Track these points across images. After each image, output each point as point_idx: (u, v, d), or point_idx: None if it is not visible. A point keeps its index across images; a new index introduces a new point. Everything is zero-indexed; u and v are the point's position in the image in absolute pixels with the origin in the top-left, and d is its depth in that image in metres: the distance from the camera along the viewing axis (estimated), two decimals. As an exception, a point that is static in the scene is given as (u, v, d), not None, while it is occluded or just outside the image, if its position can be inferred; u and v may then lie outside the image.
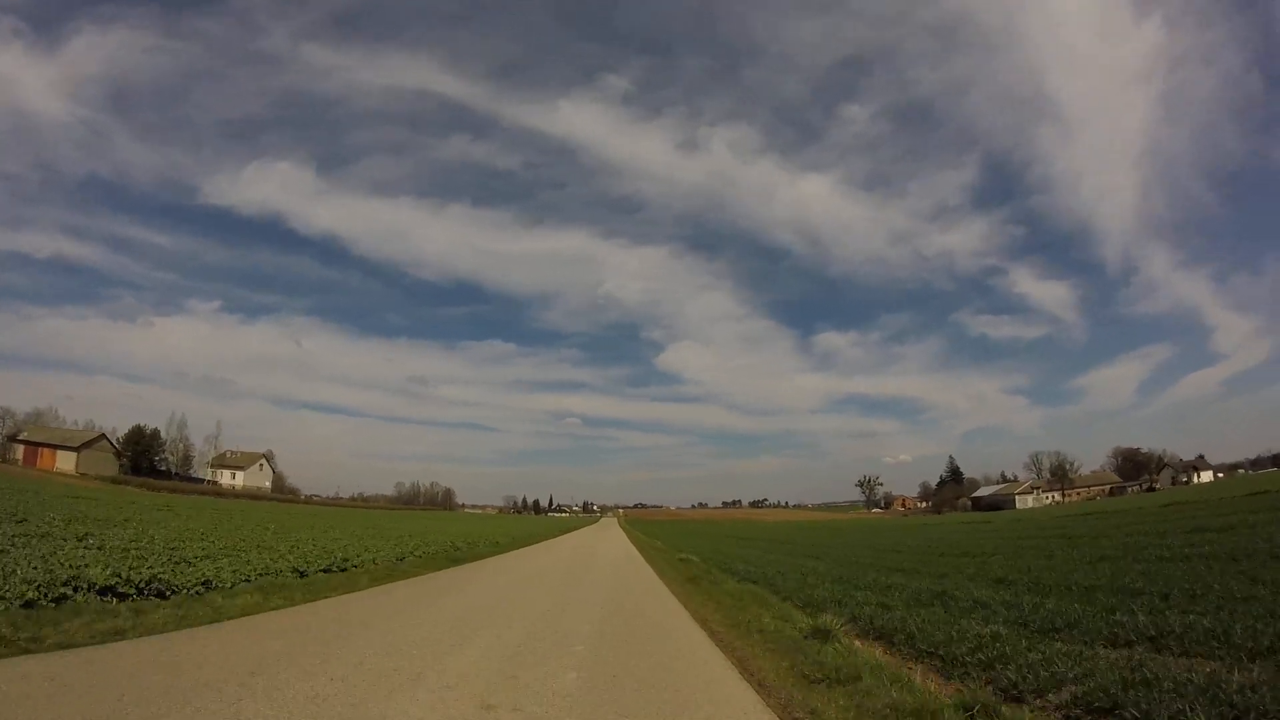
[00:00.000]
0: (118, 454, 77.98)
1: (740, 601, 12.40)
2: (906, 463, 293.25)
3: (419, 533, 32.93)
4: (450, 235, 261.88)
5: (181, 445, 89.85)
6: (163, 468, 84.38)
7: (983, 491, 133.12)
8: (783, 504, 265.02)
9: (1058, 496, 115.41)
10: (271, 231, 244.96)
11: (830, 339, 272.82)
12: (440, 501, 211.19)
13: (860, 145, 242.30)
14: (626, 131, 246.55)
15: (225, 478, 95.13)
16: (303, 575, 12.58)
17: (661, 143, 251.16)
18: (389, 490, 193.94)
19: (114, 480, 67.65)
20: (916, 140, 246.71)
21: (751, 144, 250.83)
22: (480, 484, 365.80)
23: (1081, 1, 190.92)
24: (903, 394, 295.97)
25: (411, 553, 19.71)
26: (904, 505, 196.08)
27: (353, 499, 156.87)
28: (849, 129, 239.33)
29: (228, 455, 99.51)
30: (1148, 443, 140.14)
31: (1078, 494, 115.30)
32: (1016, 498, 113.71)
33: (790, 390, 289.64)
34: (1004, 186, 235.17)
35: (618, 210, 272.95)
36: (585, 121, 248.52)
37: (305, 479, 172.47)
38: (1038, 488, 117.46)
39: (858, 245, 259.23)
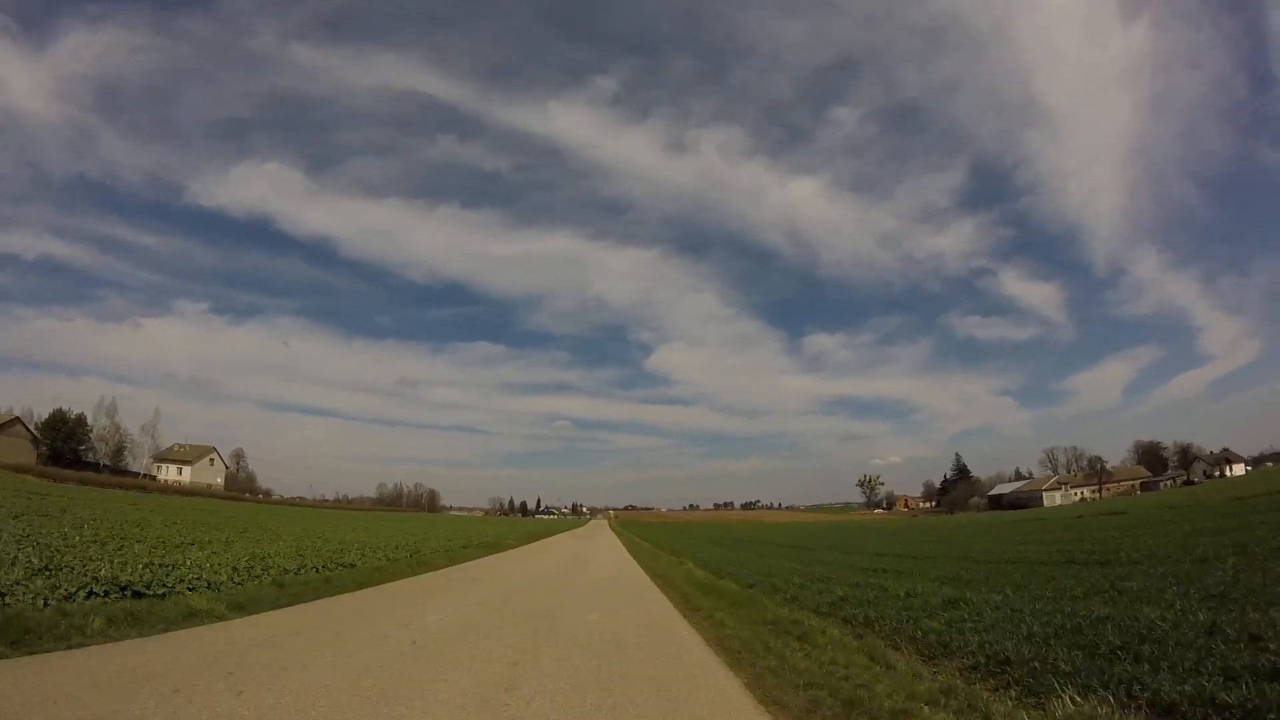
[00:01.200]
0: (35, 441, 65.91)
1: None
2: (896, 464, 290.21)
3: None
4: (439, 237, 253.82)
5: (116, 435, 77.72)
6: (89, 458, 72.30)
7: (1001, 489, 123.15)
8: (775, 505, 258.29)
9: (1087, 493, 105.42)
10: (260, 232, 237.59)
11: (819, 341, 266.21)
12: (424, 504, 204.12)
13: (849, 147, 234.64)
14: (615, 133, 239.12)
15: (171, 472, 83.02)
16: None
17: (650, 144, 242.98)
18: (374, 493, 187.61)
19: (17, 469, 55.82)
20: (904, 142, 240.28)
21: (740, 146, 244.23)
22: (470, 487, 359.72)
23: (1069, 3, 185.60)
24: (892, 396, 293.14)
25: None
26: (907, 505, 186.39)
27: (336, 500, 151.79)
28: (838, 131, 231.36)
29: (175, 448, 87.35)
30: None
31: (1108, 490, 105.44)
32: (1044, 494, 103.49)
33: (779, 392, 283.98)
34: (992, 188, 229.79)
35: (606, 211, 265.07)
36: (573, 123, 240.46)
37: (291, 481, 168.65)
38: (1065, 483, 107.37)
39: (846, 247, 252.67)
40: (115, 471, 71.01)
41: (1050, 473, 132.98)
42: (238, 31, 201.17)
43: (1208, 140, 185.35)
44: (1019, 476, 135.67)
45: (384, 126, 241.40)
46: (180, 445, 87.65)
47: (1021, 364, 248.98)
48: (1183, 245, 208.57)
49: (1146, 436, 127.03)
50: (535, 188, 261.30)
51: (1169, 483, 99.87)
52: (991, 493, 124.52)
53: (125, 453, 78.58)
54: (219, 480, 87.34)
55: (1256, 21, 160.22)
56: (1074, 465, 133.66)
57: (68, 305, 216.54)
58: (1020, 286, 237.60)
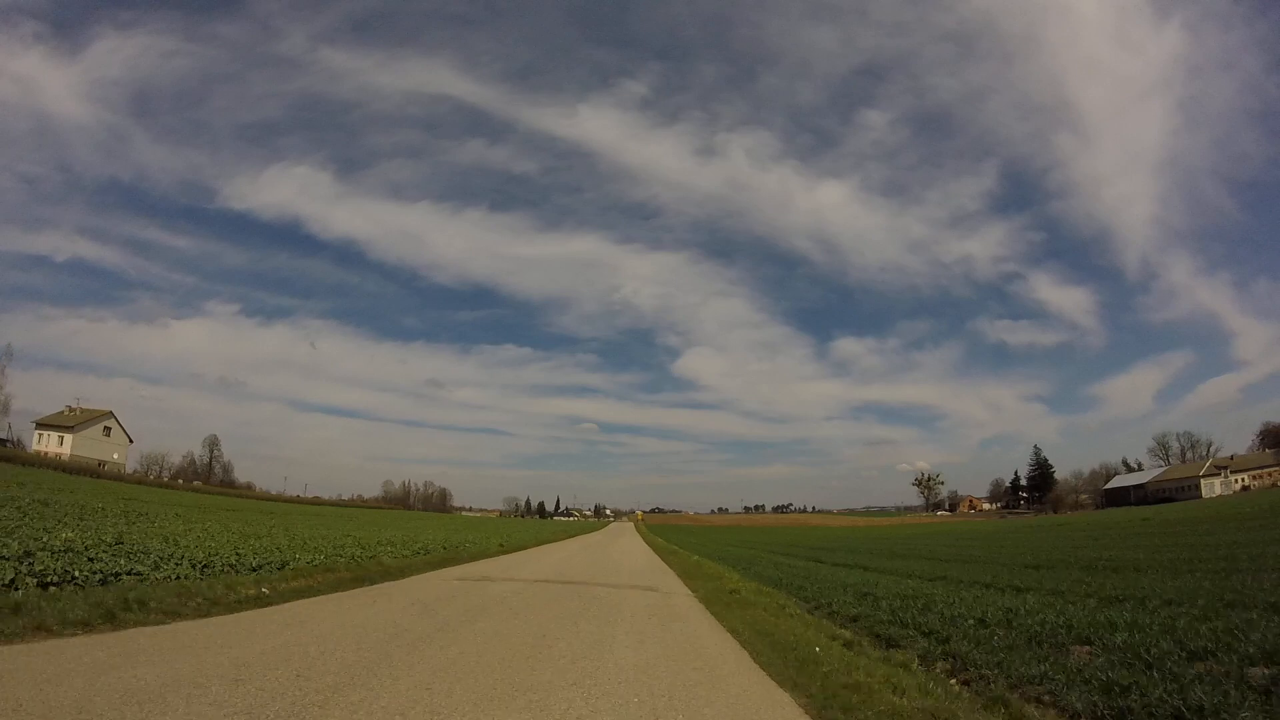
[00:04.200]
0: None
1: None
2: (923, 470, 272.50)
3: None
4: (467, 239, 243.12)
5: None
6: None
7: (1122, 481, 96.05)
8: (807, 509, 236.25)
9: (1245, 479, 78.34)
10: (290, 235, 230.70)
11: (847, 346, 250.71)
12: (434, 503, 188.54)
13: (878, 152, 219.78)
14: (643, 137, 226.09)
15: (50, 442, 60.21)
16: None
17: (678, 148, 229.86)
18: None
19: None
20: (935, 147, 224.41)
21: (769, 150, 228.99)
22: (492, 488, 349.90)
23: (1101, 8, 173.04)
24: (919, 401, 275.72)
25: None
26: (972, 507, 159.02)
27: (350, 499, 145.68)
28: (867, 136, 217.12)
29: (64, 412, 64.75)
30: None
31: (1266, 477, 78.17)
32: (1202, 482, 76.57)
33: (805, 397, 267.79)
34: (1023, 192, 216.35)
35: (634, 215, 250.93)
36: (603, 126, 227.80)
37: (309, 480, 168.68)
38: (1223, 467, 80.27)
39: (875, 252, 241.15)
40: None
41: (1162, 462, 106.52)
42: (268, 35, 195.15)
43: (1240, 143, 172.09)
44: (1129, 468, 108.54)
45: (413, 129, 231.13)
46: (70, 409, 65.38)
47: (1051, 370, 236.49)
48: (1215, 249, 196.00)
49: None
50: (563, 191, 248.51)
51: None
52: (1109, 486, 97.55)
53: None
54: (116, 455, 64.57)
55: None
56: (1189, 453, 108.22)
57: (99, 306, 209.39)
58: (1051, 291, 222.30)
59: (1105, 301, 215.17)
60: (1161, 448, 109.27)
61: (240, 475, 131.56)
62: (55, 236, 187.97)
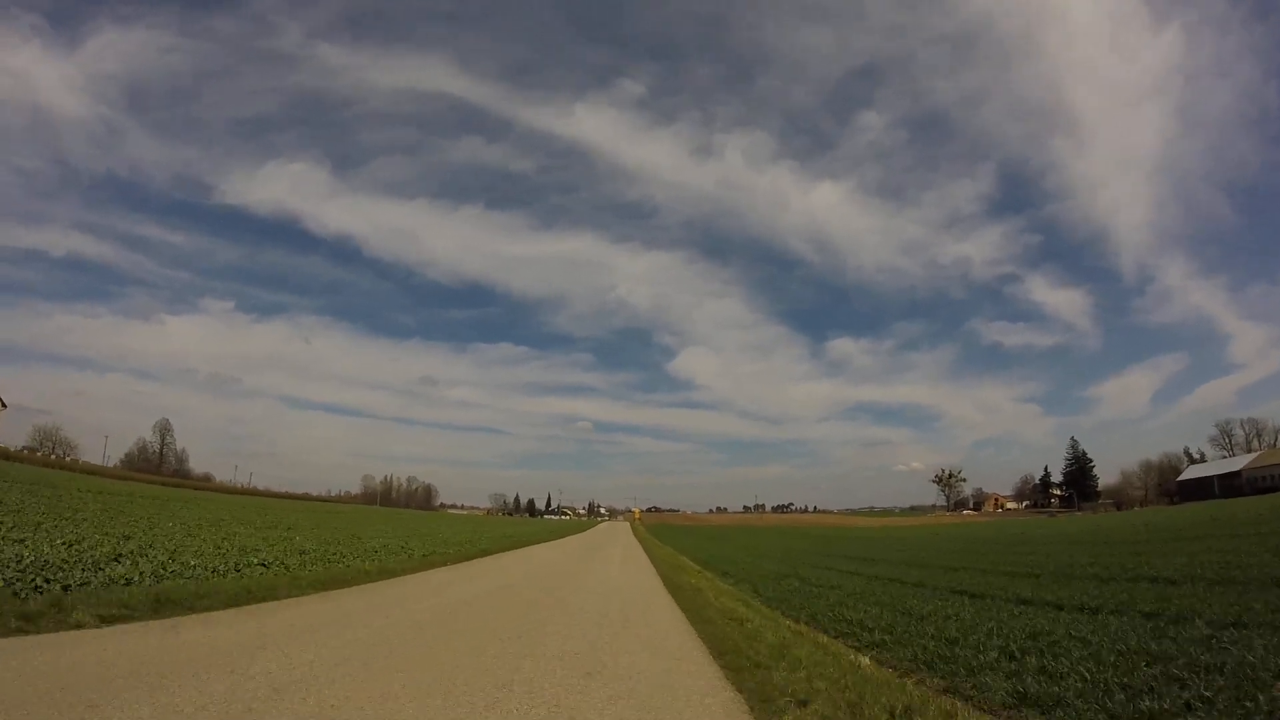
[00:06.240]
0: None
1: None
2: (918, 470, 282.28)
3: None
4: (462, 237, 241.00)
5: None
6: None
7: (1200, 472, 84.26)
8: (807, 509, 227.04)
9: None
10: (286, 231, 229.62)
11: (842, 346, 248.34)
12: (418, 500, 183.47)
13: (875, 154, 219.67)
14: (640, 137, 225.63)
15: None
16: None
17: (675, 148, 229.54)
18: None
19: None
20: (931, 149, 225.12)
21: (764, 151, 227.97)
22: (490, 486, 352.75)
23: (1099, 13, 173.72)
24: (914, 402, 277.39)
25: None
26: (998, 505, 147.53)
27: (336, 496, 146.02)
28: (863, 137, 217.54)
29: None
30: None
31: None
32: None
33: (800, 398, 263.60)
34: (1019, 195, 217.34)
35: (629, 215, 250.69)
36: (599, 125, 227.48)
37: (292, 477, 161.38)
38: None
39: (871, 253, 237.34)
40: None
41: (1224, 452, 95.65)
42: (264, 31, 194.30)
43: (1237, 148, 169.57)
44: (1191, 459, 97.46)
45: (409, 127, 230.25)
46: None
47: (1046, 371, 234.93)
48: (1211, 253, 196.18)
49: (1172, 445, 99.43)
50: (559, 190, 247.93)
51: None
52: (1184, 478, 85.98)
53: None
54: None
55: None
56: (1255, 439, 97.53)
57: (94, 302, 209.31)
58: (1047, 293, 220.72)
59: (1101, 304, 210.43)
60: (1224, 435, 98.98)
61: (197, 466, 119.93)
62: (52, 231, 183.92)
